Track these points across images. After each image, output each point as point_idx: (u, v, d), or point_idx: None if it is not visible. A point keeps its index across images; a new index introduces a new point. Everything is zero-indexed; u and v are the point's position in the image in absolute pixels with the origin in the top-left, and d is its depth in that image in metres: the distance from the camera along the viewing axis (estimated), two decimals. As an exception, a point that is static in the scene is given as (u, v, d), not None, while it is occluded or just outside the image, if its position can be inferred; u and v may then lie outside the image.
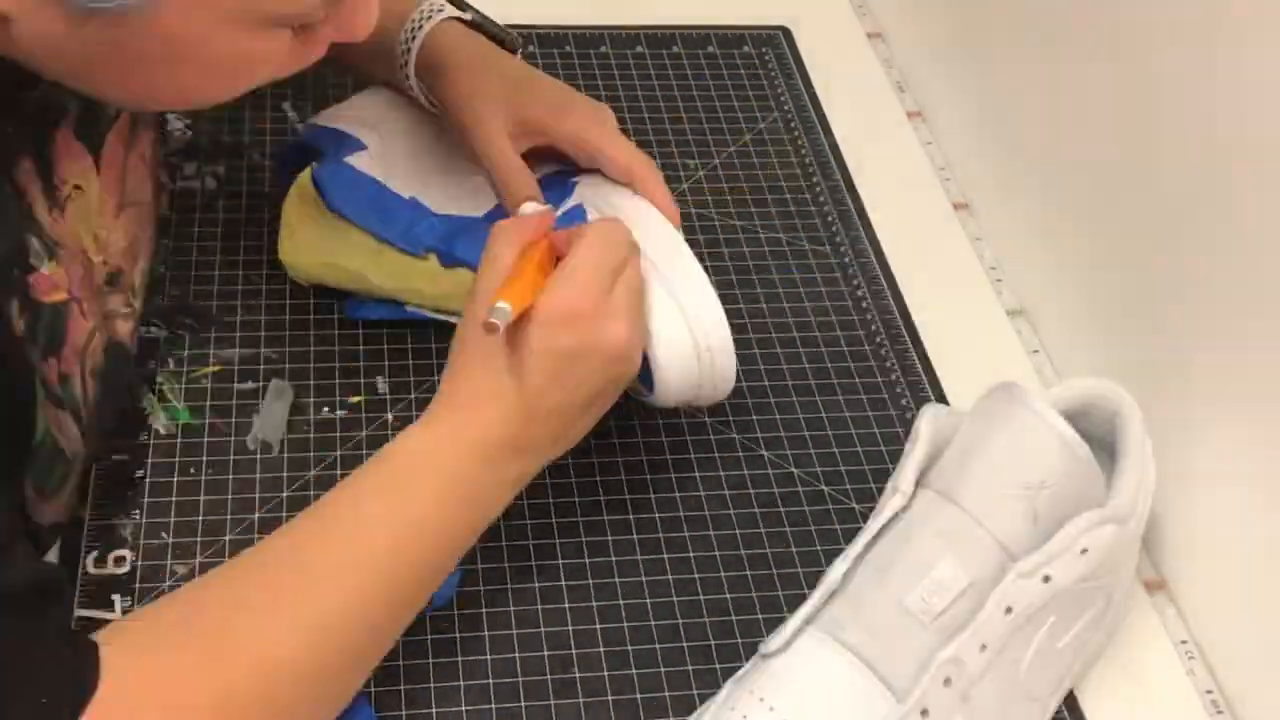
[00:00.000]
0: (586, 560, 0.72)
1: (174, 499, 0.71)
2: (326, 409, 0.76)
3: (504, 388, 0.62)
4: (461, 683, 0.66)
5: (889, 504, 0.64)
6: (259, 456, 0.74)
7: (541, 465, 0.65)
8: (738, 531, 0.74)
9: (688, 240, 0.71)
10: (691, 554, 0.73)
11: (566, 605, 0.70)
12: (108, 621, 0.65)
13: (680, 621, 0.70)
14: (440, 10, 0.77)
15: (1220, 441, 0.71)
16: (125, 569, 0.68)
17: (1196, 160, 0.71)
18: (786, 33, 1.07)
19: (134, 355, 0.71)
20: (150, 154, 0.74)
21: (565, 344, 0.63)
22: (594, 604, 0.70)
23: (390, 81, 0.81)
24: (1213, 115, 0.70)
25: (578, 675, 0.67)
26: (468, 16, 0.78)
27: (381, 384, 0.78)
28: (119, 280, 0.69)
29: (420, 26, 0.76)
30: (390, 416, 0.76)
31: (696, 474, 0.76)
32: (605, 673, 0.67)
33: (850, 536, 0.66)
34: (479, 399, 0.63)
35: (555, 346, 0.63)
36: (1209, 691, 0.71)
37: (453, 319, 0.75)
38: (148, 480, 0.71)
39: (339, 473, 0.73)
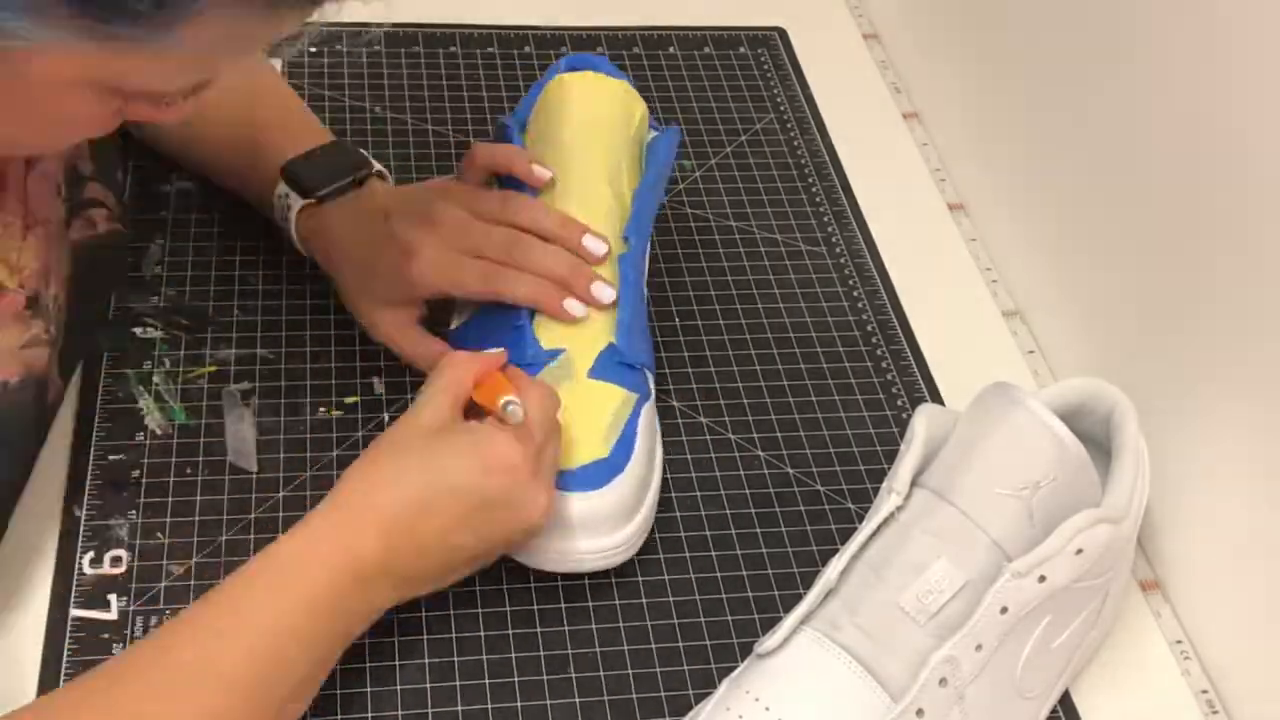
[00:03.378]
0: (582, 560, 0.72)
1: (170, 499, 0.71)
2: (322, 409, 0.76)
3: (408, 513, 0.61)
4: (458, 682, 0.66)
5: (885, 504, 0.64)
6: (255, 457, 0.73)
7: (403, 600, 0.63)
8: (734, 531, 0.74)
9: (685, 240, 0.71)
10: (688, 554, 0.73)
11: (563, 605, 0.70)
12: (104, 622, 0.66)
13: (676, 621, 0.70)
14: (293, 201, 0.77)
15: (1215, 442, 0.71)
16: (122, 569, 0.68)
17: (1192, 161, 0.72)
18: (783, 34, 1.07)
19: (52, 387, 0.69)
20: (57, 174, 0.70)
21: (493, 491, 0.62)
22: (590, 604, 0.70)
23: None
24: (1207, 116, 0.70)
25: (574, 675, 0.67)
26: (318, 194, 0.76)
27: (378, 384, 0.78)
28: (38, 304, 0.66)
29: (287, 210, 0.77)
30: (386, 417, 0.77)
31: (693, 474, 0.76)
32: (601, 672, 0.67)
33: (846, 536, 0.66)
34: (378, 516, 0.61)
35: (483, 488, 0.62)
36: (1204, 691, 0.71)
37: None
38: (144, 480, 0.71)
39: (335, 473, 0.73)
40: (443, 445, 0.63)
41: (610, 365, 0.71)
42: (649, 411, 0.72)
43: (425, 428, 0.64)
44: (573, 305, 0.72)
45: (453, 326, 0.77)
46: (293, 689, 0.59)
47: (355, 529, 0.61)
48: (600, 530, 0.68)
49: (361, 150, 0.79)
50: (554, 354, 0.71)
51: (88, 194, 0.72)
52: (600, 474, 0.67)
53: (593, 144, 0.78)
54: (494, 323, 0.74)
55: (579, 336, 0.72)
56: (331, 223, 0.76)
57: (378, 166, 0.79)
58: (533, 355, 0.71)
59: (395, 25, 1.01)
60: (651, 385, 0.74)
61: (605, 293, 0.73)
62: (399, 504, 0.62)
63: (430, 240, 0.73)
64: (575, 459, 0.67)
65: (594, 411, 0.69)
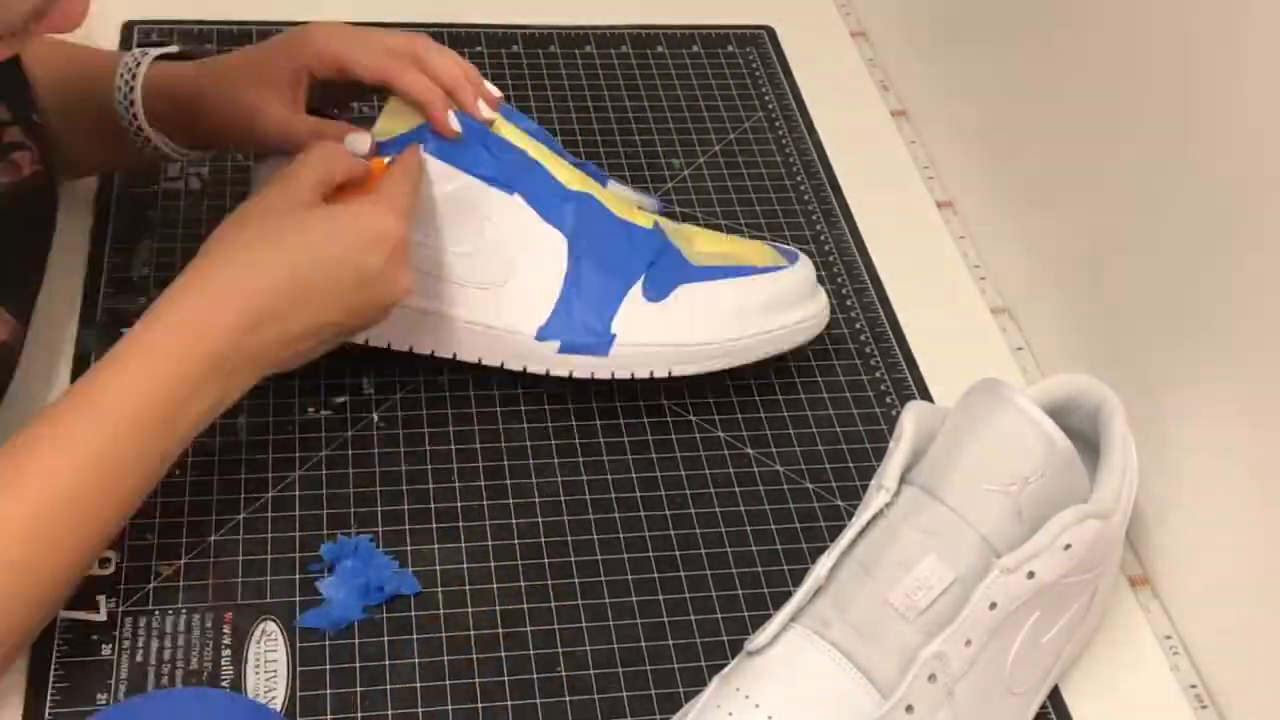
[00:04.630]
0: (572, 559, 0.72)
1: (159, 499, 0.70)
2: (311, 409, 0.76)
3: (280, 302, 0.62)
4: (448, 682, 0.66)
5: (874, 501, 0.64)
6: (244, 457, 0.73)
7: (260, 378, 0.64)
8: (723, 528, 0.74)
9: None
10: (677, 551, 0.73)
11: (553, 604, 0.70)
12: (93, 623, 0.66)
13: (666, 619, 0.70)
14: (145, 53, 0.76)
15: (1203, 437, 0.71)
16: (110, 569, 0.68)
17: (1180, 158, 0.72)
18: (770, 32, 1.07)
19: None
20: None
21: (368, 267, 0.63)
22: (580, 602, 0.70)
23: (112, 163, 0.81)
24: (1195, 113, 0.70)
25: (564, 674, 0.67)
26: (175, 49, 0.76)
27: (366, 384, 0.78)
28: None
29: (134, 76, 0.75)
30: (375, 416, 0.76)
31: (682, 472, 0.76)
32: (591, 671, 0.67)
33: (835, 533, 0.66)
34: (245, 305, 0.61)
35: (358, 265, 0.63)
36: (1193, 686, 0.71)
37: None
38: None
39: (324, 473, 0.73)
40: (315, 223, 0.63)
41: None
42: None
43: (293, 204, 0.64)
44: (453, 120, 0.72)
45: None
46: (146, 472, 0.61)
47: (219, 320, 0.61)
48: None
49: None
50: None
51: (6, 138, 0.70)
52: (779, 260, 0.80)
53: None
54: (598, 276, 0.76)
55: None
56: (201, 63, 0.75)
57: None
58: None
59: (384, 24, 1.01)
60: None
61: (486, 110, 0.73)
62: (269, 293, 0.62)
63: (328, 26, 0.74)
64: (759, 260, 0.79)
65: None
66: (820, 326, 0.81)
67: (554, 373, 0.75)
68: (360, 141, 0.71)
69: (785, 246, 0.83)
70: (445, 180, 0.72)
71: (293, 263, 0.63)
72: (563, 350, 0.74)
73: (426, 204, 0.72)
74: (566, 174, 0.76)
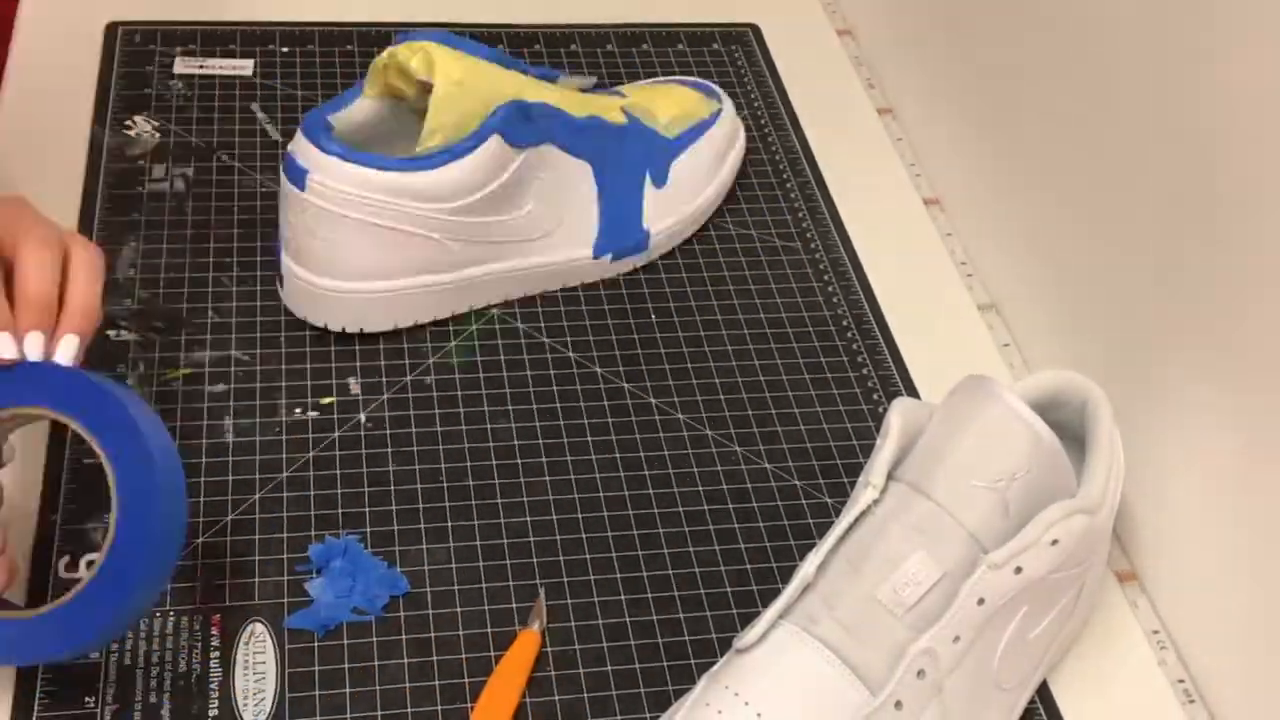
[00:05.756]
0: (561, 558, 0.72)
1: (146, 502, 0.71)
2: (299, 410, 0.76)
3: None
4: (437, 682, 0.66)
5: (861, 497, 0.64)
6: (230, 459, 0.73)
7: None
8: (711, 526, 0.74)
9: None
10: (665, 550, 0.73)
11: (543, 603, 0.70)
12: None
13: (655, 617, 0.70)
14: None
15: (1190, 432, 0.71)
16: (97, 573, 0.68)
17: (1166, 155, 0.72)
18: (756, 30, 1.08)
19: None
20: None
21: None
22: (568, 601, 0.70)
23: None
24: (1181, 110, 0.70)
25: (552, 673, 0.67)
26: None
27: (354, 385, 0.78)
28: None
29: None
30: (362, 417, 0.76)
31: (670, 470, 0.77)
32: (581, 670, 0.67)
33: (823, 530, 0.67)
34: None
35: None
36: (1180, 680, 0.71)
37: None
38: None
39: (311, 474, 0.73)
40: None
41: None
42: None
43: None
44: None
45: None
46: None
47: None
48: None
49: None
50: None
51: None
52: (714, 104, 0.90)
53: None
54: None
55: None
56: None
57: None
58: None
59: (369, 25, 1.01)
60: None
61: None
62: None
63: None
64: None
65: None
66: (740, 134, 0.93)
67: (606, 277, 0.86)
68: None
69: (704, 84, 0.92)
70: (512, 159, 0.77)
71: None
72: (614, 259, 0.85)
73: (495, 185, 0.77)
74: (564, 99, 0.81)
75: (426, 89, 0.76)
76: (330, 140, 0.74)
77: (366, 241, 0.75)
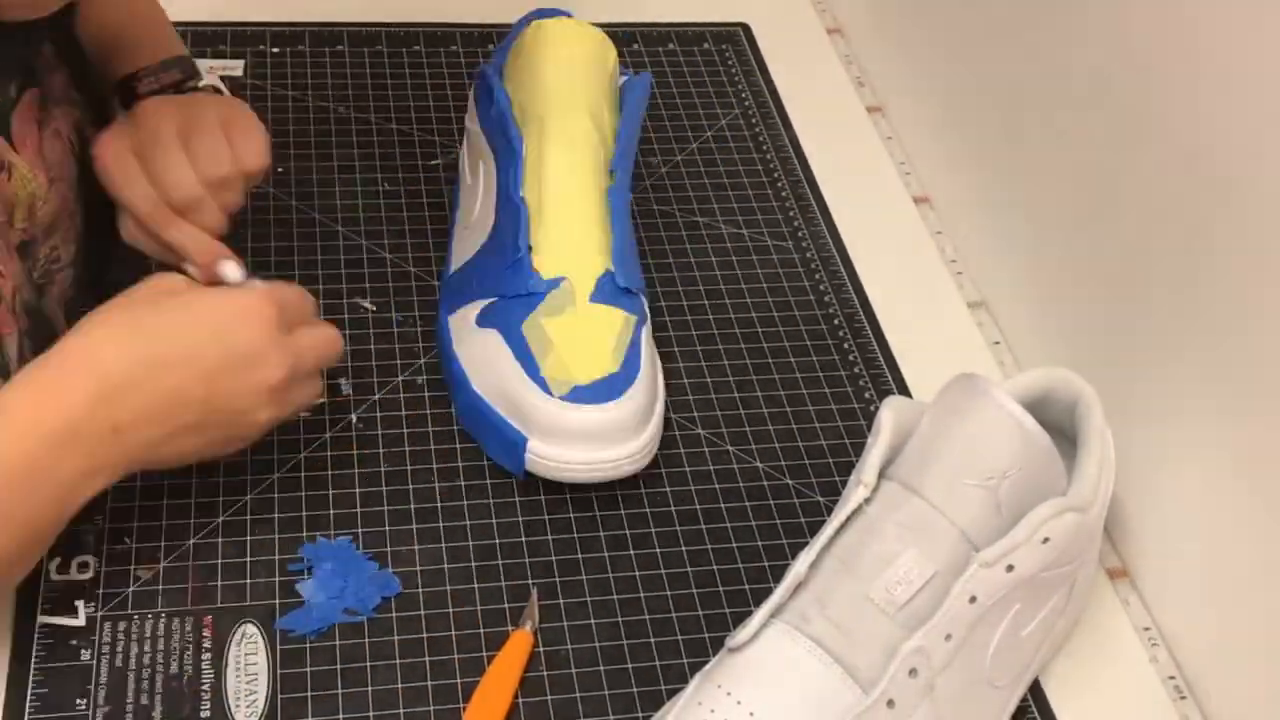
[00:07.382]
0: (553, 558, 0.72)
1: (137, 504, 0.70)
2: (290, 411, 0.76)
3: (137, 369, 0.59)
4: (429, 683, 0.66)
5: (853, 496, 0.64)
6: (222, 459, 0.73)
7: (135, 469, 0.62)
8: (703, 525, 0.74)
9: (651, 236, 0.71)
10: (658, 549, 0.73)
11: (535, 603, 0.70)
12: (72, 628, 0.65)
13: (647, 616, 0.70)
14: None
15: (1180, 429, 0.72)
16: (89, 574, 0.67)
17: (1156, 153, 0.72)
18: (746, 29, 1.08)
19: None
20: (69, 132, 0.72)
21: (239, 342, 0.62)
22: (561, 601, 0.70)
23: None
24: (1172, 108, 0.70)
25: (545, 672, 0.67)
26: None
27: (345, 385, 0.78)
28: (29, 251, 0.67)
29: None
30: (354, 418, 0.76)
31: (662, 470, 0.77)
32: (573, 670, 0.67)
33: (815, 529, 0.67)
34: (98, 372, 0.59)
35: (227, 341, 0.62)
36: (1171, 677, 0.72)
37: None
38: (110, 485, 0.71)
39: (303, 475, 0.73)
40: (175, 302, 0.62)
41: (608, 290, 0.75)
42: (647, 332, 0.76)
43: (156, 292, 0.63)
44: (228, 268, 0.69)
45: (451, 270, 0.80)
46: (13, 536, 0.58)
47: (71, 386, 0.59)
48: (618, 439, 0.71)
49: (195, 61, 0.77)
50: (555, 282, 0.74)
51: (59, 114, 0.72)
52: (615, 386, 0.71)
53: (574, 81, 0.80)
54: (494, 259, 0.76)
55: (577, 265, 0.75)
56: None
57: (206, 80, 0.77)
58: (533, 284, 0.74)
59: (358, 24, 1.01)
60: (647, 309, 0.77)
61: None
62: (126, 359, 0.60)
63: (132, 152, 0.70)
64: (589, 375, 0.71)
65: (600, 332, 0.73)
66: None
67: None
68: (231, 270, 0.69)
69: None
70: None
71: (148, 332, 0.61)
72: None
73: None
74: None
75: None
76: None
77: None
